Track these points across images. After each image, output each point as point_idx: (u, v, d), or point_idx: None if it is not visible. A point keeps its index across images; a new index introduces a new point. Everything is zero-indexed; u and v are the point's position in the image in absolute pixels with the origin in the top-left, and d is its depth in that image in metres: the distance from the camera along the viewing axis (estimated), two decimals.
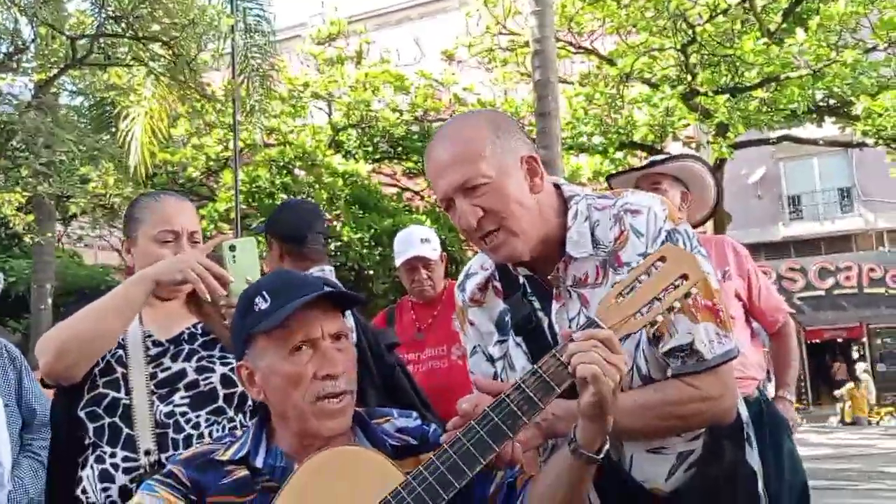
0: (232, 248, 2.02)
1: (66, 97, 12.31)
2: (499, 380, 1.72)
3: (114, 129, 10.37)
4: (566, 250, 1.60)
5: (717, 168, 12.46)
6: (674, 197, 2.97)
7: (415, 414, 1.62)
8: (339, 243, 11.83)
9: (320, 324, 1.47)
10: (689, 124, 12.23)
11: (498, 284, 1.72)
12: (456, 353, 3.57)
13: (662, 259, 1.43)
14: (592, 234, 1.61)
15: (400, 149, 14.34)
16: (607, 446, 1.39)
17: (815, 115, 12.51)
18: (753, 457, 1.68)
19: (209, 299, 1.94)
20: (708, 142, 12.19)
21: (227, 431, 1.96)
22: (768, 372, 3.65)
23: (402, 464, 1.43)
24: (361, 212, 12.06)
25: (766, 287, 3.27)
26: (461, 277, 1.82)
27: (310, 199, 12.12)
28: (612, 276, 1.58)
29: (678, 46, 11.60)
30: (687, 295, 1.41)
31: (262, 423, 1.55)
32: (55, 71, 9.33)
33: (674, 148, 12.96)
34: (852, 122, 12.04)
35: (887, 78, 11.47)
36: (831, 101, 12.22)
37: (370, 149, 14.20)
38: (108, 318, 1.92)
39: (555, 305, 1.62)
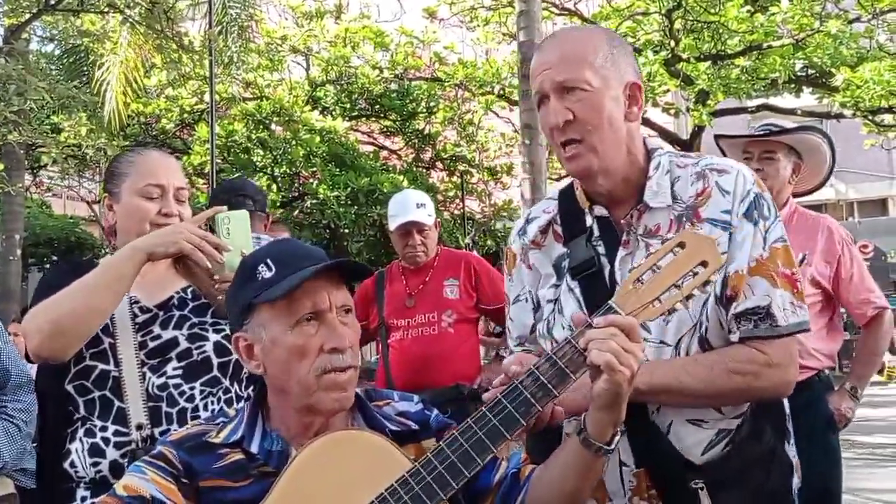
0: (226, 220, 1.97)
1: (37, 43, 11.96)
2: (543, 324, 1.69)
3: (86, 78, 10.09)
4: (643, 198, 1.59)
5: (696, 135, 12.49)
6: (786, 167, 2.91)
7: (416, 397, 1.57)
8: (314, 201, 11.72)
9: (328, 295, 1.41)
10: (669, 90, 12.19)
11: (559, 229, 1.70)
12: (446, 320, 3.56)
13: (682, 245, 1.39)
14: (672, 188, 1.60)
15: (378, 107, 14.16)
16: (618, 437, 1.37)
17: (793, 85, 12.53)
18: (791, 451, 1.66)
19: (208, 266, 1.88)
20: (688, 108, 12.17)
21: (222, 403, 1.91)
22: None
23: (403, 450, 1.39)
24: (338, 170, 11.92)
25: (858, 275, 3.04)
26: (520, 223, 1.80)
27: (287, 155, 11.99)
28: (688, 229, 1.55)
29: (663, 11, 11.49)
30: (706, 283, 1.37)
31: (257, 402, 1.48)
32: (27, 16, 9.02)
33: (652, 113, 12.94)
34: (831, 93, 12.08)
35: (867, 49, 11.49)
36: (810, 72, 12.24)
37: (348, 106, 14.00)
38: (101, 295, 1.83)
39: (621, 252, 1.60)
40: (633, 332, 1.31)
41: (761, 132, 3.01)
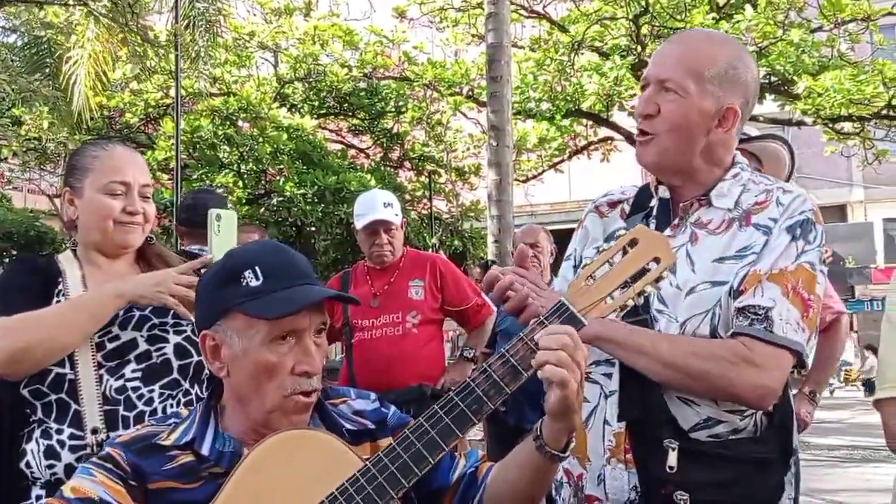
0: (218, 217, 1.98)
1: None
2: None
3: (49, 71, 9.90)
4: (709, 194, 1.67)
5: None
6: None
7: (373, 395, 1.57)
8: (281, 199, 11.62)
9: (310, 316, 1.38)
10: (635, 94, 12.31)
11: (627, 208, 1.79)
12: (411, 321, 3.56)
13: (634, 242, 1.40)
14: (738, 197, 1.67)
15: (346, 105, 14.09)
16: (573, 444, 1.38)
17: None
18: (788, 475, 1.64)
19: (192, 324, 1.85)
20: None
21: (181, 406, 1.89)
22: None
23: (358, 449, 1.39)
24: (305, 167, 11.85)
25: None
26: (599, 197, 1.89)
27: (253, 152, 11.89)
28: (735, 229, 1.62)
29: (630, 17, 11.61)
30: (658, 279, 1.39)
31: (209, 403, 1.46)
32: None
33: (619, 118, 13.06)
34: (793, 100, 12.28)
35: (828, 58, 11.71)
36: (773, 79, 12.44)
37: (316, 104, 13.92)
38: (71, 333, 1.79)
39: (667, 232, 1.66)
40: (576, 339, 1.31)
41: None
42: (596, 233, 1.81)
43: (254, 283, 1.37)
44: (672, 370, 1.54)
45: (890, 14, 11.08)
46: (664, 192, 1.73)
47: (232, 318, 1.39)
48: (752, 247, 1.60)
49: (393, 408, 1.56)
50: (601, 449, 1.63)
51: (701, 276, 1.59)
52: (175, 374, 1.92)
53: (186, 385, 1.94)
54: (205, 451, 1.38)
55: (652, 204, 1.74)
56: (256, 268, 1.38)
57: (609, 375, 1.66)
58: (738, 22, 11.04)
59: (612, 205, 1.83)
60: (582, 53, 12.23)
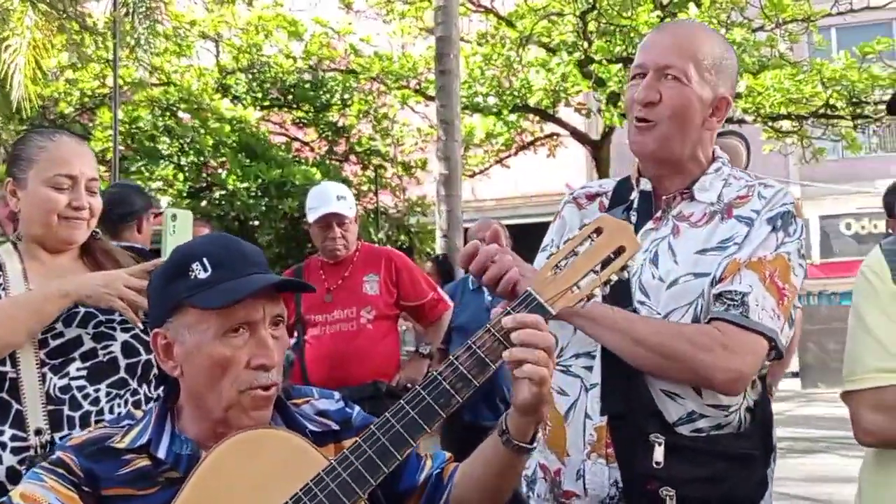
0: (174, 216, 1.91)
1: None
2: None
3: None
4: (692, 188, 1.66)
5: (606, 136, 12.77)
6: None
7: (336, 395, 1.51)
8: (223, 192, 11.42)
9: (263, 306, 1.32)
10: (581, 91, 12.42)
11: (605, 201, 1.76)
12: (365, 317, 3.50)
13: (598, 231, 1.38)
14: (720, 191, 1.67)
15: (291, 97, 13.89)
16: (540, 435, 1.36)
17: None
18: (770, 471, 1.65)
19: (140, 328, 1.77)
20: (599, 109, 12.42)
21: (129, 406, 1.80)
22: None
23: (322, 451, 1.33)
24: (248, 160, 11.65)
25: None
26: (577, 189, 1.87)
27: (195, 143, 11.64)
28: (716, 221, 1.62)
29: (577, 13, 11.69)
30: (623, 268, 1.37)
31: (167, 402, 1.39)
32: None
33: (565, 113, 13.16)
34: (734, 99, 12.54)
35: (767, 58, 11.99)
36: None
37: (259, 95, 13.68)
38: (14, 329, 1.71)
39: (648, 224, 1.66)
40: (542, 325, 1.30)
41: None
42: (573, 224, 1.79)
43: (202, 274, 1.31)
44: (644, 348, 1.53)
45: (829, 15, 11.39)
46: (646, 184, 1.71)
47: (182, 313, 1.33)
48: (734, 238, 1.60)
49: (357, 408, 1.50)
50: (581, 443, 1.60)
51: (683, 268, 1.58)
52: (122, 373, 1.85)
53: (134, 384, 1.87)
54: (161, 454, 1.31)
55: (632, 197, 1.72)
56: (204, 259, 1.32)
57: (590, 368, 1.63)
58: (682, 20, 11.22)
59: (591, 197, 1.81)
60: (529, 49, 12.28)
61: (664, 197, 1.68)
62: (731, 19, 11.37)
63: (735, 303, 1.53)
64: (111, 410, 1.80)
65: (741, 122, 13.29)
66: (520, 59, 12.14)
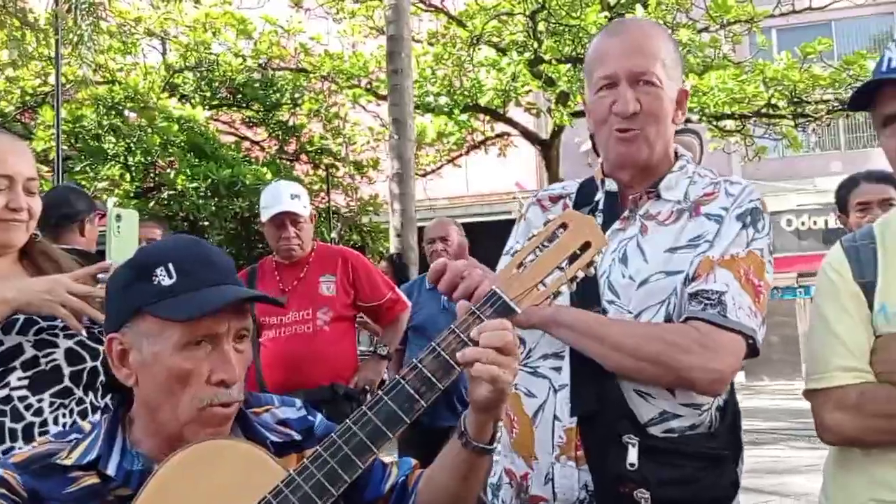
0: (118, 217, 1.84)
1: None
2: None
3: None
4: (658, 187, 1.66)
5: (556, 135, 12.87)
6: None
7: (298, 402, 1.46)
8: (172, 192, 11.19)
9: (228, 320, 1.27)
10: (531, 90, 12.50)
11: (570, 203, 1.74)
12: (322, 318, 3.44)
13: (564, 226, 1.35)
14: (686, 189, 1.67)
15: (240, 96, 13.68)
16: (499, 435, 1.36)
17: None
18: (739, 471, 1.64)
19: (84, 336, 1.71)
20: (549, 109, 12.52)
21: (75, 416, 1.74)
22: None
23: (284, 462, 1.28)
24: (197, 160, 11.42)
25: None
26: (540, 191, 1.86)
27: (142, 143, 11.39)
28: (685, 221, 1.62)
29: (527, 13, 11.76)
30: (590, 264, 1.35)
31: (117, 415, 1.32)
32: None
33: (515, 113, 13.23)
34: None
35: (711, 58, 12.22)
36: None
37: (208, 94, 13.45)
38: None
39: (616, 225, 1.65)
40: (511, 333, 1.27)
41: None
42: (538, 226, 1.75)
43: (166, 281, 1.25)
44: (622, 353, 1.50)
45: (771, 17, 11.66)
46: (611, 185, 1.70)
47: (141, 319, 1.26)
48: (704, 235, 1.59)
49: (320, 416, 1.46)
50: (550, 446, 1.57)
51: (654, 267, 1.57)
52: (66, 382, 1.78)
53: (80, 393, 1.80)
54: (111, 471, 1.25)
55: (597, 198, 1.71)
56: (169, 265, 1.26)
57: (558, 369, 1.60)
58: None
59: (554, 199, 1.80)
60: (480, 49, 12.31)
61: (631, 196, 1.68)
62: (676, 20, 11.55)
63: (712, 302, 1.52)
64: (56, 421, 1.73)
65: (687, 121, 13.53)
66: (470, 58, 12.16)
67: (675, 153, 1.72)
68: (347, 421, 1.27)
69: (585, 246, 1.34)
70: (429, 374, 1.27)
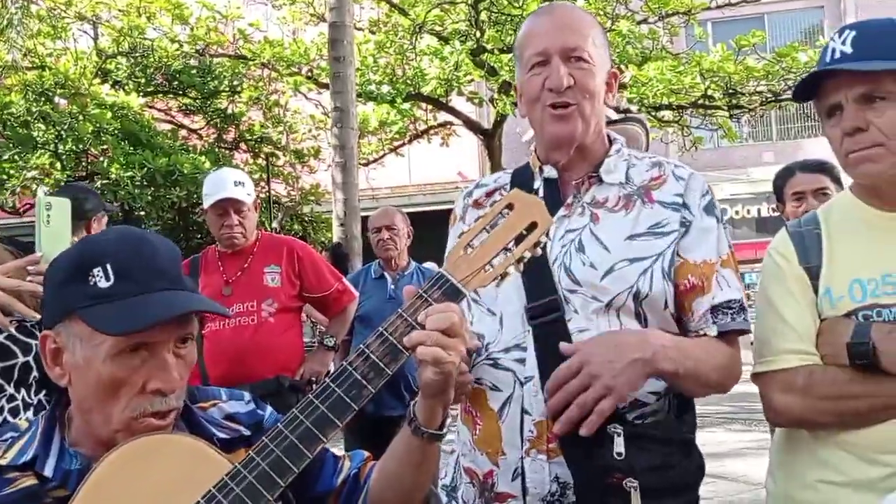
0: (48, 206, 1.73)
1: None
2: None
3: None
4: (599, 171, 1.64)
5: (498, 124, 12.92)
6: None
7: (247, 395, 1.40)
8: (106, 181, 10.89)
9: (167, 329, 1.19)
10: (473, 80, 12.51)
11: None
12: (267, 310, 3.36)
13: (510, 206, 1.34)
14: (626, 171, 1.66)
15: (176, 83, 13.36)
16: (449, 420, 1.32)
17: None
18: (700, 454, 1.64)
19: (13, 330, 1.64)
20: (492, 98, 12.55)
21: (6, 413, 1.66)
22: None
23: (231, 457, 1.22)
24: (132, 148, 11.13)
25: None
26: (469, 187, 1.82)
27: (73, 131, 11.04)
28: (640, 208, 1.60)
29: (470, 2, 11.75)
30: (537, 244, 1.33)
31: (54, 413, 1.25)
32: None
33: (457, 102, 13.22)
34: (619, 89, 12.92)
35: (649, 50, 12.42)
36: None
37: (143, 80, 13.10)
38: None
39: (560, 212, 1.61)
40: (454, 318, 1.24)
41: None
42: None
43: (102, 283, 1.17)
44: (699, 386, 1.56)
45: (708, 9, 11.88)
46: (550, 171, 1.67)
47: (74, 321, 1.19)
48: (664, 224, 1.58)
49: (270, 409, 1.40)
50: (518, 441, 1.53)
51: (616, 255, 1.56)
52: None
53: (10, 389, 1.73)
54: (48, 471, 1.18)
55: (536, 186, 1.68)
56: (108, 265, 1.18)
57: (522, 361, 1.55)
58: None
59: (489, 194, 1.76)
60: (422, 38, 12.26)
61: (574, 182, 1.65)
62: (616, 11, 11.68)
63: (735, 310, 1.57)
64: None
65: (626, 111, 13.73)
66: (413, 47, 12.10)
67: (608, 137, 1.71)
68: (294, 410, 1.23)
69: (531, 227, 1.33)
70: (376, 360, 1.24)
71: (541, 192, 1.66)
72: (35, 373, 1.74)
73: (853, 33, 1.50)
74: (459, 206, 1.80)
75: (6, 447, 1.21)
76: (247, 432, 1.33)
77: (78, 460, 1.21)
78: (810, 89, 1.55)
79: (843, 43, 1.49)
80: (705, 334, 1.57)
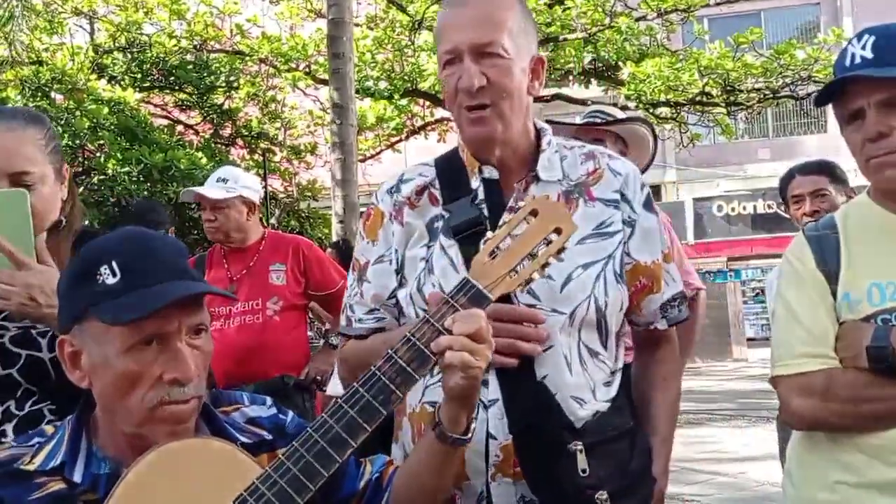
0: None
1: None
2: (413, 284, 1.59)
3: None
4: (536, 169, 1.58)
5: None
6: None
7: (269, 400, 1.42)
8: (102, 177, 10.84)
9: (178, 318, 1.21)
10: None
11: (436, 192, 1.63)
12: (272, 308, 3.35)
13: (534, 213, 1.36)
14: (561, 165, 1.61)
15: (173, 78, 13.30)
16: (474, 425, 1.33)
17: (583, 77, 13.32)
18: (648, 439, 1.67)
19: None
20: None
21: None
22: None
23: (256, 461, 1.25)
24: (129, 144, 11.09)
25: (678, 257, 2.95)
26: (391, 182, 1.70)
27: (70, 126, 10.99)
28: (582, 207, 1.57)
29: None
30: (561, 250, 1.35)
31: (81, 417, 1.27)
32: None
33: None
34: (617, 85, 12.93)
35: (647, 46, 12.42)
36: (598, 65, 13.03)
37: (139, 76, 13.04)
38: None
39: (505, 216, 1.52)
40: (484, 321, 1.26)
41: (592, 120, 3.06)
42: (421, 229, 1.62)
43: (109, 280, 1.19)
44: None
45: (707, 6, 11.89)
46: (491, 172, 1.59)
47: (87, 321, 1.21)
48: (609, 223, 1.56)
49: (291, 413, 1.42)
50: (483, 466, 1.48)
51: (571, 263, 1.50)
52: None
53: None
54: (76, 477, 1.20)
55: (475, 185, 1.60)
56: (113, 263, 1.20)
57: (485, 383, 1.47)
58: (569, 8, 11.44)
59: (419, 192, 1.65)
60: (420, 33, 12.24)
61: (515, 184, 1.58)
62: (614, 8, 11.68)
63: (678, 301, 1.66)
64: None
65: (624, 108, 13.74)
66: (411, 43, 12.08)
67: (535, 127, 1.64)
68: (323, 415, 1.25)
69: (556, 232, 1.35)
70: (404, 365, 1.26)
71: (480, 194, 1.60)
72: (25, 385, 1.66)
73: (872, 38, 1.51)
74: (387, 204, 1.67)
75: (34, 452, 1.22)
76: (269, 437, 1.35)
77: (107, 464, 1.23)
78: (830, 94, 1.56)
79: (864, 48, 1.50)
80: (655, 328, 1.64)
